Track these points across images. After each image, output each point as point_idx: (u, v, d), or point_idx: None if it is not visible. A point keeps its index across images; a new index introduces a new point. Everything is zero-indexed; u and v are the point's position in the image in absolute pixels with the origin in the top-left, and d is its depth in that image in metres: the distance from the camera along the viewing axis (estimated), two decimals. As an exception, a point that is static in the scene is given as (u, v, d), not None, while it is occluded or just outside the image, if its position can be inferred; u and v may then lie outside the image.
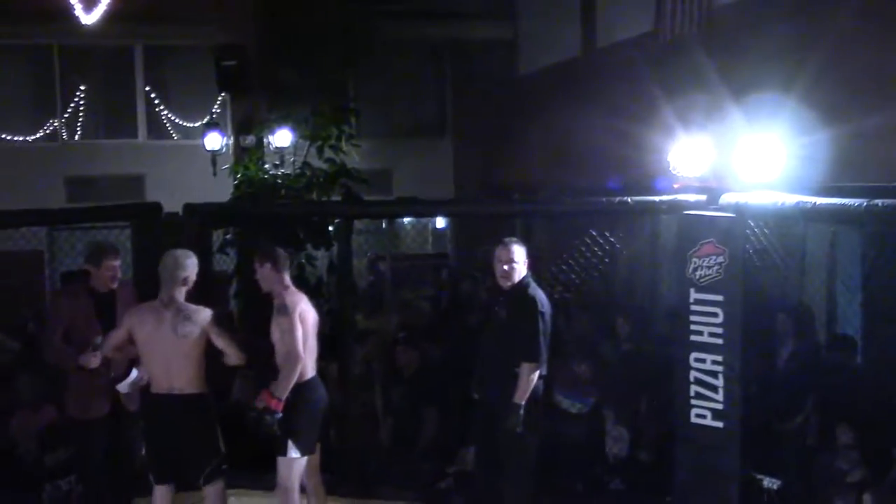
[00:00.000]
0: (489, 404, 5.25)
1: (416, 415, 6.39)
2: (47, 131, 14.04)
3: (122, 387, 4.99)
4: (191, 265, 4.88)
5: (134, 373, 4.99)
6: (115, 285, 5.15)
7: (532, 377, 5.08)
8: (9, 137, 13.82)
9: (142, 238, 6.29)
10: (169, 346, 4.66)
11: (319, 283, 9.04)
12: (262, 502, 5.52)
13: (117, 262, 5.16)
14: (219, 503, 4.85)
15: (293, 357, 4.59)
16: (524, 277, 5.24)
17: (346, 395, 6.30)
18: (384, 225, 13.36)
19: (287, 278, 4.89)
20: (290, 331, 4.61)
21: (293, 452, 4.64)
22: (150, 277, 6.22)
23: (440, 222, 13.78)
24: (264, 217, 7.19)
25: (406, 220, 13.22)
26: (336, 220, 6.80)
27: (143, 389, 4.95)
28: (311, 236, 8.04)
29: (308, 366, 4.78)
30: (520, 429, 5.03)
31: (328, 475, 6.03)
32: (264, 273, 4.84)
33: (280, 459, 4.68)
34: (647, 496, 5.67)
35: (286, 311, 4.64)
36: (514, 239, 5.32)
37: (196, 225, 6.31)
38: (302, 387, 4.73)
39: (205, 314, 4.77)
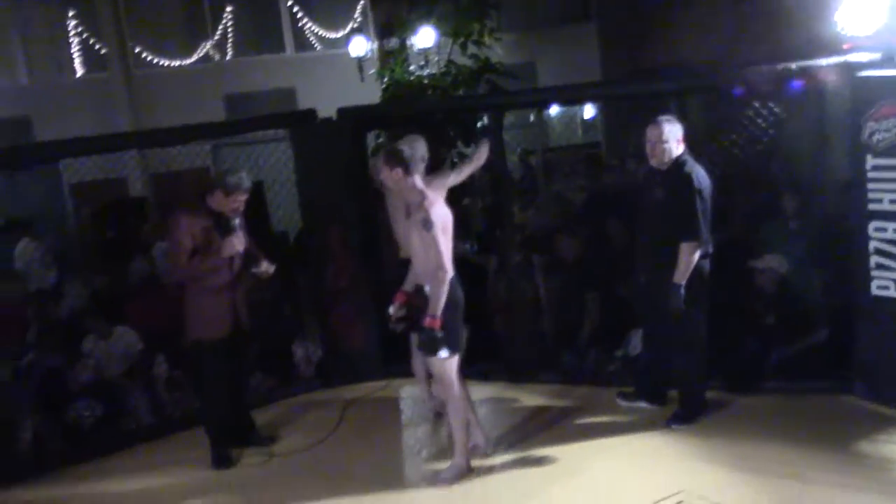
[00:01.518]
0: (651, 286, 5.21)
1: (579, 302, 6.40)
2: (201, 54, 14.63)
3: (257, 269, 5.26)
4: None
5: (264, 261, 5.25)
6: (235, 217, 5.12)
7: (692, 256, 4.98)
8: (167, 63, 14.50)
9: (300, 144, 6.51)
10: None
11: (472, 180, 9.11)
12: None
13: (245, 197, 5.14)
14: None
15: (442, 272, 4.50)
16: (680, 156, 5.09)
17: (507, 288, 6.40)
18: (532, 118, 13.27)
19: (419, 181, 4.63)
20: (436, 245, 4.49)
21: (443, 353, 4.61)
22: (310, 181, 6.49)
23: (588, 112, 13.51)
24: (414, 117, 7.24)
25: (554, 111, 13.05)
26: (485, 115, 6.76)
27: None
28: (461, 133, 8.06)
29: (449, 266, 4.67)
30: (682, 308, 4.98)
31: (495, 364, 6.24)
32: (395, 178, 4.61)
33: (433, 360, 4.69)
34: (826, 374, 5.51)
35: (429, 227, 4.47)
36: (667, 117, 5.15)
37: (350, 128, 6.46)
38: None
39: None
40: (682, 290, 4.98)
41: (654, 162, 5.14)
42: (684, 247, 4.97)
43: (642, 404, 5.53)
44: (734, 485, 4.39)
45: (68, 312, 7.18)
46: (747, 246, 6.06)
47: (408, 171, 4.57)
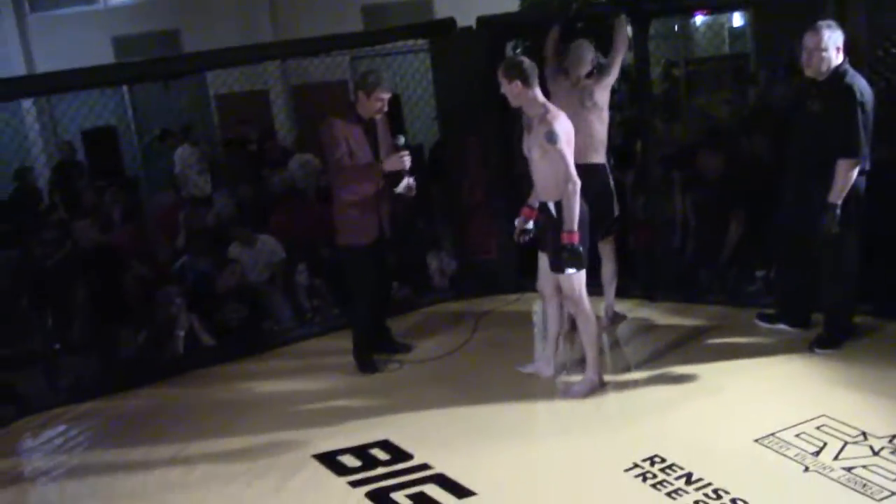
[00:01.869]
0: (803, 206, 4.96)
1: (722, 220, 6.18)
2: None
3: (401, 188, 5.25)
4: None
5: (406, 179, 5.25)
6: (379, 116, 5.19)
7: (850, 174, 4.70)
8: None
9: (437, 55, 6.46)
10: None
11: (612, 93, 8.85)
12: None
13: (387, 95, 5.16)
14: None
15: (572, 185, 4.42)
16: (840, 65, 4.75)
17: (647, 203, 6.25)
18: (676, 28, 12.69)
19: (540, 93, 4.56)
20: (563, 159, 4.42)
21: (570, 269, 4.56)
22: (447, 92, 6.46)
23: (737, 20, 12.79)
24: (553, 23, 7.04)
25: (699, 20, 12.44)
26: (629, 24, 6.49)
27: None
28: (602, 43, 7.78)
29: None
30: (836, 229, 4.74)
31: (632, 281, 6.15)
32: (514, 91, 4.52)
33: (560, 277, 4.64)
34: None
35: (555, 140, 4.40)
36: (825, 22, 4.79)
37: (489, 36, 6.36)
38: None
39: None
40: (838, 211, 4.72)
41: (810, 72, 4.82)
42: (843, 164, 4.69)
43: (783, 326, 5.35)
44: (877, 411, 4.21)
45: (215, 220, 7.52)
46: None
47: (527, 83, 4.48)
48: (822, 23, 4.77)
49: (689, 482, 3.73)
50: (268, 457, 4.38)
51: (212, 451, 4.56)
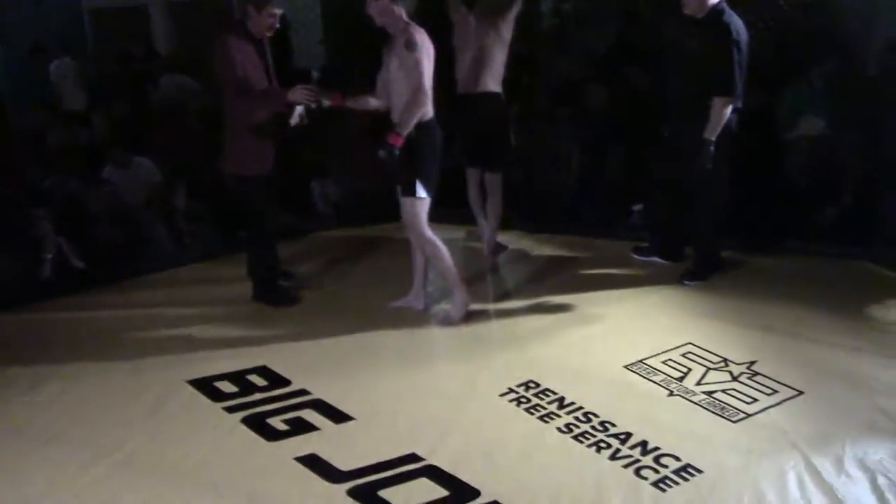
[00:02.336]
0: (678, 140, 5.10)
1: (602, 154, 6.31)
2: None
3: (294, 118, 4.93)
4: None
5: (298, 108, 4.91)
6: (270, 34, 4.93)
7: (725, 111, 4.84)
8: None
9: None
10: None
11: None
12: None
13: (279, 11, 4.93)
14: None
15: (422, 93, 4.42)
16: (717, 3, 4.86)
17: (530, 136, 6.30)
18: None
19: (403, 12, 4.55)
20: (417, 67, 4.41)
21: (421, 192, 4.55)
22: (336, 13, 6.27)
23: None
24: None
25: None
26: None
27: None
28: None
29: (429, 106, 4.57)
30: (709, 165, 4.89)
31: (515, 212, 6.23)
32: (380, 7, 4.52)
33: (406, 200, 4.61)
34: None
35: (414, 48, 4.40)
36: None
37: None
38: (425, 126, 4.55)
39: None
40: (712, 147, 4.87)
41: (688, 10, 4.92)
42: (717, 101, 4.83)
43: (656, 259, 5.54)
44: (738, 340, 4.44)
45: (89, 139, 7.18)
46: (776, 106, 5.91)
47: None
48: None
49: (561, 406, 3.85)
50: (141, 382, 4.26)
51: (83, 375, 4.40)
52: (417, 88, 4.42)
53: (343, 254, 6.06)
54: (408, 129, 4.45)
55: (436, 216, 4.80)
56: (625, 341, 4.50)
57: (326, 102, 4.71)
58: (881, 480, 3.21)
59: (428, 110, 4.54)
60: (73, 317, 5.24)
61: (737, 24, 4.83)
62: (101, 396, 4.16)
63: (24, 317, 5.28)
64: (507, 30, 5.44)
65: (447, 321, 4.80)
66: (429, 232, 4.67)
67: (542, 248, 6.00)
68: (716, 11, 4.84)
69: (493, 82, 5.45)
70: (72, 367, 4.50)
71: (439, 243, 4.72)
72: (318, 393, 4.07)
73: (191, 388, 4.19)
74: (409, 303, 5.05)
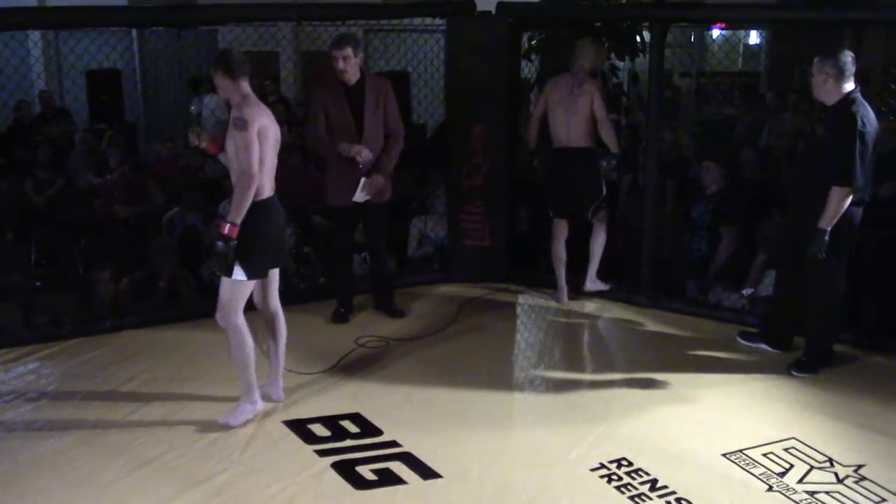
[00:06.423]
0: (795, 228, 4.98)
1: (714, 234, 6.20)
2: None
3: (357, 195, 5.43)
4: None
5: (363, 181, 5.40)
6: (345, 77, 5.31)
7: (843, 202, 4.71)
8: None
9: (454, 36, 6.42)
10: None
11: (620, 94, 8.84)
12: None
13: (339, 53, 5.26)
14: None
15: (247, 177, 4.05)
16: (850, 93, 4.75)
17: (638, 209, 6.25)
18: (692, 39, 12.69)
19: (245, 86, 4.21)
20: (246, 147, 4.04)
21: (238, 274, 4.15)
22: (460, 71, 6.42)
23: (753, 37, 12.79)
24: (574, 19, 7.03)
25: (715, 33, 12.45)
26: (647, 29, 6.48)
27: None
28: (617, 44, 7.77)
29: (266, 185, 4.23)
30: (822, 255, 4.75)
31: (614, 281, 6.17)
32: (219, 81, 4.22)
33: (223, 280, 4.22)
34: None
35: (243, 126, 4.06)
36: (837, 51, 4.80)
37: (507, 23, 6.33)
38: (256, 207, 4.14)
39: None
40: (827, 237, 4.74)
41: (820, 98, 4.85)
42: (836, 191, 4.70)
43: (763, 346, 5.37)
44: (846, 439, 4.24)
45: (215, 173, 7.46)
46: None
47: (231, 74, 4.19)
48: (835, 50, 4.77)
49: (653, 489, 3.75)
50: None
51: (187, 399, 4.56)
52: (243, 171, 4.08)
53: (443, 308, 6.10)
54: (239, 216, 4.08)
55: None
56: (724, 428, 4.35)
57: (203, 143, 4.51)
58: None
59: (264, 190, 4.19)
60: (180, 341, 5.41)
61: (865, 114, 4.72)
62: (198, 426, 4.29)
63: (139, 333, 5.50)
64: (592, 91, 5.83)
65: (224, 425, 4.30)
66: (240, 319, 4.26)
67: (644, 322, 5.90)
68: (847, 100, 4.74)
69: (580, 138, 5.87)
70: (175, 393, 4.67)
71: (247, 337, 4.29)
72: (408, 446, 4.08)
73: (285, 429, 4.27)
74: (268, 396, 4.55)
